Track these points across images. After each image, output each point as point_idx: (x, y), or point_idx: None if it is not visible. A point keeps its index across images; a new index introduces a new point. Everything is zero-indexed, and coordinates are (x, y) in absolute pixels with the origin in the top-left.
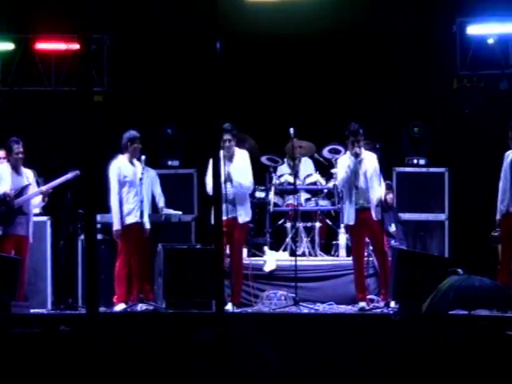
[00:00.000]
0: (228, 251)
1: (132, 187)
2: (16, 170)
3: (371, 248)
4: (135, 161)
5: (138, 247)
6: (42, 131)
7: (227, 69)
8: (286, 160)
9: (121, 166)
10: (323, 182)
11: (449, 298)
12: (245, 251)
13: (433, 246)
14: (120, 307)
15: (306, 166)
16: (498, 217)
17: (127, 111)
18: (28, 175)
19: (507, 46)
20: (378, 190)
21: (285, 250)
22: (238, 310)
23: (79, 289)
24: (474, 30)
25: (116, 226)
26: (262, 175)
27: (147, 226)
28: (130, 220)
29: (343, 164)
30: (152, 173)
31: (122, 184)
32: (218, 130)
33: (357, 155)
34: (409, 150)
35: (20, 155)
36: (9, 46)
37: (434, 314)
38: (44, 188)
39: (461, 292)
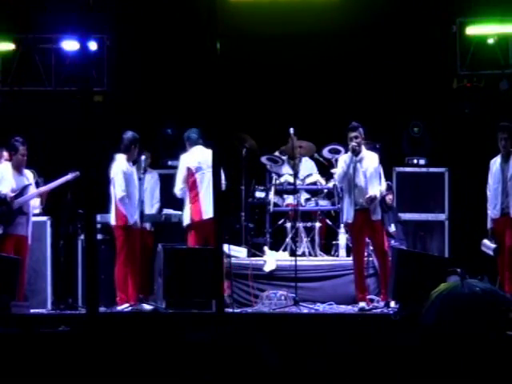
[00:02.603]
0: None
1: (133, 188)
2: (18, 170)
3: (371, 248)
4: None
5: (138, 247)
6: (42, 131)
7: (227, 69)
8: (285, 160)
9: (125, 166)
10: (323, 181)
11: (436, 307)
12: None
13: (433, 245)
14: (123, 306)
15: (307, 166)
16: (489, 225)
17: (127, 111)
18: (28, 176)
19: (507, 45)
20: (377, 189)
21: (285, 250)
22: (238, 310)
23: (79, 289)
24: (474, 30)
25: (132, 219)
26: (262, 175)
27: (146, 225)
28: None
29: (342, 161)
30: (155, 175)
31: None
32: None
33: (353, 150)
34: (409, 150)
35: (25, 156)
36: (9, 46)
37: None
38: (42, 189)
39: (448, 301)
